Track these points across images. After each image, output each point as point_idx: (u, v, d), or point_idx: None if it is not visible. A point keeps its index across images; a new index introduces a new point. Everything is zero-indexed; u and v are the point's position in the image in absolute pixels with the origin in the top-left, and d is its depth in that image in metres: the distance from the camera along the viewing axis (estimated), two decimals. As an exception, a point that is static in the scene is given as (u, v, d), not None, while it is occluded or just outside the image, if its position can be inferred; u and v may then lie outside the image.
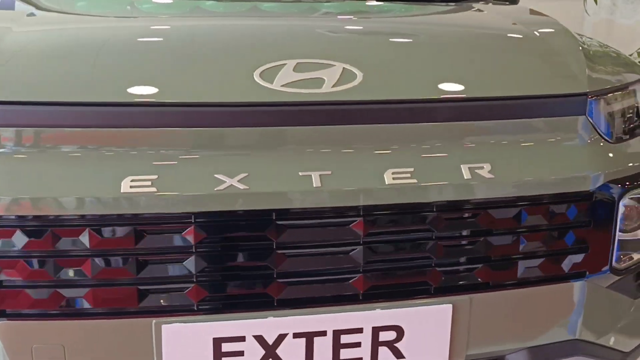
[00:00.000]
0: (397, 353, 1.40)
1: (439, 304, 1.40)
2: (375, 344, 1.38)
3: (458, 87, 1.46)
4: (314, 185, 1.31)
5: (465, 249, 1.42)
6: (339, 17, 1.90)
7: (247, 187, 1.29)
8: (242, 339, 1.33)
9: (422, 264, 1.40)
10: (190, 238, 1.29)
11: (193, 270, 1.30)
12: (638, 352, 1.72)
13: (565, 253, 1.48)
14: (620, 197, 1.50)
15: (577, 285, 1.50)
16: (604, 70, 1.65)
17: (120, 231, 1.28)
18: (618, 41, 4.56)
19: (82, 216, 1.26)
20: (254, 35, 1.57)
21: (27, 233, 1.26)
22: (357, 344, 1.38)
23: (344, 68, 1.42)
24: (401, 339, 1.40)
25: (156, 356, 1.31)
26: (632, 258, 1.59)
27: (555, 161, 1.45)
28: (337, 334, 1.36)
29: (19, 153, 1.30)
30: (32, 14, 1.68)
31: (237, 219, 1.31)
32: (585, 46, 1.73)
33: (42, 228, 1.26)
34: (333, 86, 1.38)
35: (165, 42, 1.53)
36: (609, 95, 1.56)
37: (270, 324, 1.33)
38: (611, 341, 1.60)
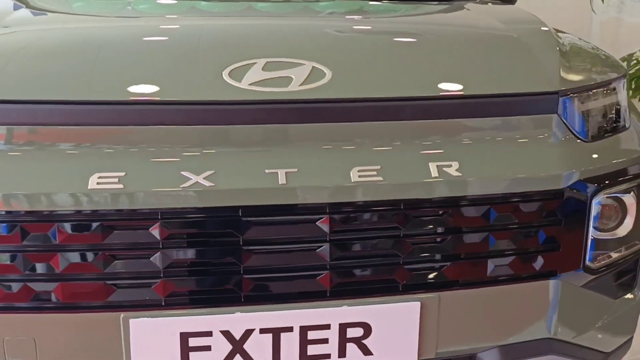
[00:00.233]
0: (365, 350, 1.41)
1: (407, 302, 1.41)
2: (343, 340, 1.39)
3: (426, 86, 1.47)
4: (280, 182, 1.33)
5: (433, 247, 1.42)
6: (321, 16, 1.91)
7: (213, 184, 1.31)
8: (209, 334, 1.35)
9: (389, 261, 1.40)
10: (157, 234, 1.31)
11: (160, 266, 1.33)
12: (620, 352, 1.71)
13: (536, 252, 1.47)
14: (593, 195, 1.49)
15: (549, 284, 1.50)
16: (581, 68, 1.64)
17: (88, 227, 1.30)
18: (626, 39, 4.51)
19: (51, 212, 1.29)
20: (228, 35, 1.59)
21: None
22: (325, 340, 1.39)
23: (313, 67, 1.43)
24: (369, 336, 1.40)
25: (124, 350, 1.34)
26: (610, 257, 1.58)
27: (525, 159, 1.45)
28: (304, 330, 1.37)
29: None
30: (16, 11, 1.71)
31: (203, 216, 1.33)
32: (565, 45, 1.73)
33: (12, 223, 1.28)
34: (300, 85, 1.40)
35: (136, 41, 1.56)
36: (584, 93, 1.55)
37: (237, 320, 1.35)
38: (589, 341, 1.59)
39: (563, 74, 1.55)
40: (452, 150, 1.43)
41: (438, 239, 1.42)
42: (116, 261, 1.32)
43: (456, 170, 1.40)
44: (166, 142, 1.35)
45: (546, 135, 1.50)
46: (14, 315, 1.33)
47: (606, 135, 1.58)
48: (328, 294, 1.38)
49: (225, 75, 1.39)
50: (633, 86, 3.99)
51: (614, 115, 1.63)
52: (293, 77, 1.41)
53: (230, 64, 1.42)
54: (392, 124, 1.42)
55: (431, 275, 1.43)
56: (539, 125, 1.49)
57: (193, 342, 1.35)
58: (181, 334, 1.34)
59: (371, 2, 2.14)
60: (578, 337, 1.56)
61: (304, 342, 1.38)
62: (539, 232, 1.47)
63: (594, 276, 1.56)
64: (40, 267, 1.31)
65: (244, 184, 1.32)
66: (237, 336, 1.36)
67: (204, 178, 1.31)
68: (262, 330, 1.36)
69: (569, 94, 1.52)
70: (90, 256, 1.31)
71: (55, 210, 1.29)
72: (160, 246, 1.32)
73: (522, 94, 1.48)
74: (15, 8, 1.75)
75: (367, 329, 1.40)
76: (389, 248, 1.40)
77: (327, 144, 1.39)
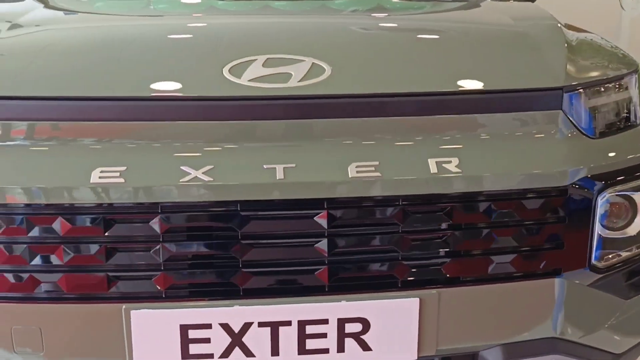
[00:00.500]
0: (363, 345, 1.41)
1: (406, 298, 1.40)
2: (341, 335, 1.39)
3: (425, 82, 1.47)
4: (278, 178, 1.34)
5: (432, 244, 1.41)
6: (333, 14, 1.92)
7: (212, 179, 1.33)
8: (208, 326, 1.37)
9: (388, 257, 1.40)
10: (157, 227, 1.34)
11: (160, 259, 1.35)
12: (633, 354, 1.68)
13: (538, 249, 1.46)
14: (599, 193, 1.47)
15: (554, 282, 1.48)
16: (590, 64, 1.62)
17: (90, 220, 1.34)
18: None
19: (54, 205, 1.33)
20: (230, 33, 1.62)
21: (3, 220, 1.33)
22: (323, 335, 1.39)
23: (313, 63, 1.45)
24: (367, 331, 1.41)
25: (126, 341, 1.37)
26: (619, 256, 1.55)
27: (528, 156, 1.44)
28: (302, 324, 1.38)
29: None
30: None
31: (202, 210, 1.35)
32: (574, 41, 1.70)
33: (17, 216, 1.33)
34: (300, 80, 1.41)
35: (137, 39, 1.59)
36: (591, 89, 1.53)
37: (235, 313, 1.37)
38: (597, 341, 1.56)
39: (569, 69, 1.53)
40: (452, 147, 1.42)
41: (437, 236, 1.41)
42: (118, 253, 1.35)
43: (456, 166, 1.39)
44: (166, 137, 1.38)
45: (551, 131, 1.48)
46: (21, 305, 1.37)
47: (615, 131, 1.55)
48: (326, 289, 1.39)
49: (225, 71, 1.42)
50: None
51: (623, 112, 1.60)
52: (293, 73, 1.42)
53: (231, 61, 1.44)
54: (391, 120, 1.42)
55: (430, 272, 1.42)
56: (543, 121, 1.48)
57: (193, 334, 1.37)
58: (181, 325, 1.36)
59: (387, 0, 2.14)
60: (585, 337, 1.54)
61: (303, 336, 1.39)
62: (542, 229, 1.45)
63: (602, 275, 1.53)
64: (44, 259, 1.35)
65: (242, 179, 1.34)
66: (236, 329, 1.37)
67: (203, 173, 1.34)
68: (261, 324, 1.37)
69: (574, 90, 1.50)
70: (92, 248, 1.35)
71: (58, 203, 1.32)
72: (161, 239, 1.35)
73: (525, 90, 1.47)
74: (33, 8, 1.81)
75: (365, 324, 1.40)
76: (388, 244, 1.40)
77: (326, 140, 1.40)
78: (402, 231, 1.40)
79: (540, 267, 1.46)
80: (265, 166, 1.35)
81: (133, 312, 1.35)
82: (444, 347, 1.45)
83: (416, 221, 1.40)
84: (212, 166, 1.35)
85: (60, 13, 1.84)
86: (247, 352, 1.38)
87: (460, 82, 1.48)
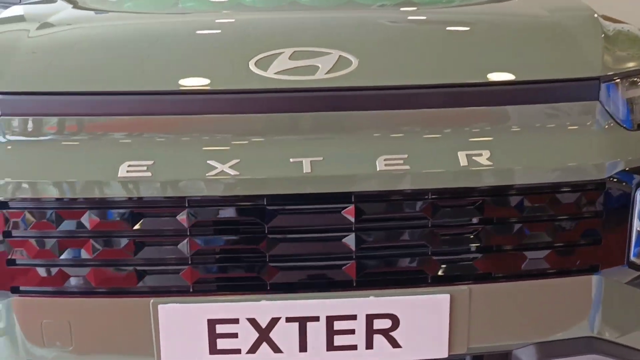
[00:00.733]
0: (393, 342, 1.39)
1: (436, 294, 1.37)
2: (370, 331, 1.37)
3: (455, 73, 1.44)
4: (305, 171, 1.32)
5: (463, 239, 1.38)
6: (360, 8, 1.90)
7: (238, 173, 1.33)
8: (235, 321, 1.36)
9: (417, 252, 1.38)
10: (184, 222, 1.34)
11: (187, 253, 1.35)
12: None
13: (574, 245, 1.41)
14: (638, 187, 1.42)
15: (591, 280, 1.43)
16: (628, 54, 1.56)
17: (118, 214, 1.34)
18: None
19: (83, 199, 1.33)
20: (257, 27, 1.61)
21: (33, 215, 1.34)
22: (351, 331, 1.37)
23: (340, 55, 1.43)
24: (397, 328, 1.38)
25: (154, 335, 1.36)
26: None
27: (562, 148, 1.39)
28: (330, 320, 1.36)
29: (25, 141, 1.40)
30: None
31: (228, 204, 1.34)
32: (612, 31, 1.65)
33: (46, 210, 1.34)
34: (327, 73, 1.39)
35: (165, 35, 1.60)
36: (629, 80, 1.48)
37: (263, 307, 1.36)
38: (637, 341, 1.51)
39: (606, 59, 1.48)
40: (483, 139, 1.39)
41: (468, 230, 1.38)
42: (145, 247, 1.35)
43: (487, 159, 1.36)
44: (193, 131, 1.37)
45: (587, 122, 1.43)
46: (50, 299, 1.38)
47: (657, 123, 1.50)
48: (354, 284, 1.37)
49: (251, 65, 1.41)
50: None
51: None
52: (319, 65, 1.41)
53: (257, 54, 1.43)
54: (420, 112, 1.39)
55: (461, 267, 1.39)
56: (579, 112, 1.43)
57: (220, 328, 1.36)
58: (209, 320, 1.36)
59: None
60: (624, 337, 1.48)
61: (331, 332, 1.37)
62: (578, 224, 1.40)
63: (641, 273, 1.48)
64: (73, 253, 1.36)
65: (268, 172, 1.33)
66: (263, 324, 1.36)
67: (229, 167, 1.33)
68: (288, 319, 1.36)
69: (612, 80, 1.45)
70: (120, 242, 1.35)
71: (87, 197, 1.33)
72: (188, 233, 1.34)
73: (560, 80, 1.43)
74: (62, 8, 1.83)
75: (394, 320, 1.37)
76: (417, 239, 1.37)
77: (353, 133, 1.38)
78: (432, 225, 1.37)
79: (577, 263, 1.42)
80: (292, 160, 1.34)
81: (161, 307, 1.35)
82: (476, 345, 1.42)
83: (446, 215, 1.37)
84: (239, 160, 1.34)
85: (90, 12, 1.86)
86: (275, 348, 1.37)
87: (491, 73, 1.44)
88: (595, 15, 1.68)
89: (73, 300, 1.38)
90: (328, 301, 1.36)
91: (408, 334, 1.38)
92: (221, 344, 1.37)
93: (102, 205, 1.34)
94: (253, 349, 1.36)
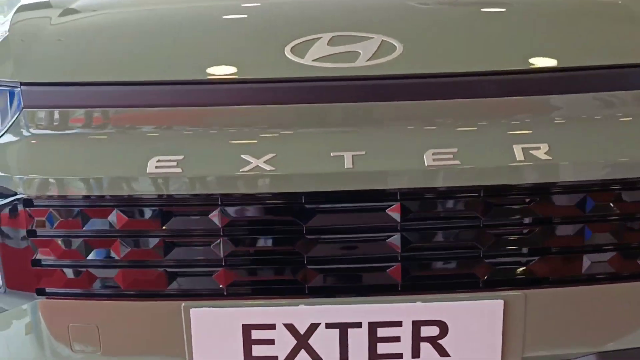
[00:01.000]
0: (441, 351, 1.29)
1: (489, 299, 1.28)
2: (417, 339, 1.28)
3: (509, 59, 1.32)
4: (346, 167, 1.23)
5: (518, 240, 1.28)
6: None
7: (274, 169, 1.24)
8: (272, 326, 1.28)
9: (468, 254, 1.28)
10: (217, 220, 1.26)
11: (221, 254, 1.27)
12: None
13: (641, 247, 1.29)
14: None
15: (659, 285, 1.31)
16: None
17: (147, 212, 1.27)
18: None
19: (109, 197, 1.26)
20: (292, 10, 1.51)
21: (59, 213, 1.28)
22: (396, 339, 1.28)
23: (382, 40, 1.33)
24: (445, 336, 1.29)
25: (186, 340, 1.29)
26: None
27: (627, 141, 1.27)
28: (373, 326, 1.27)
29: (49, 134, 1.33)
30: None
31: (264, 202, 1.26)
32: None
33: (71, 208, 1.27)
34: (369, 59, 1.29)
35: (195, 20, 1.50)
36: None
37: (301, 312, 1.28)
38: None
39: None
40: (540, 131, 1.27)
41: (524, 231, 1.27)
42: (176, 248, 1.28)
43: (545, 153, 1.24)
44: (225, 123, 1.29)
45: None
46: (77, 302, 1.32)
47: None
48: (400, 288, 1.28)
49: (287, 51, 1.31)
50: None
51: None
52: (360, 51, 1.31)
53: (293, 40, 1.33)
54: (471, 101, 1.29)
55: (516, 271, 1.29)
56: None
57: (256, 334, 1.29)
58: (243, 325, 1.28)
59: None
60: None
61: (374, 339, 1.28)
62: (644, 224, 1.28)
63: None
64: (100, 253, 1.29)
65: (306, 168, 1.24)
66: (302, 330, 1.28)
67: (264, 162, 1.24)
68: (328, 325, 1.28)
69: None
70: (149, 242, 1.28)
71: (114, 194, 1.26)
72: (221, 233, 1.26)
73: (621, 66, 1.30)
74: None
75: (443, 327, 1.28)
76: (468, 239, 1.27)
77: (398, 125, 1.28)
78: (484, 225, 1.26)
79: (644, 267, 1.29)
80: (332, 154, 1.25)
81: (193, 311, 1.28)
82: (531, 354, 1.31)
83: (499, 214, 1.26)
84: (274, 154, 1.25)
85: None
86: (314, 356, 1.29)
87: (547, 59, 1.32)
88: None
89: (101, 303, 1.31)
90: (371, 306, 1.27)
91: (457, 342, 1.29)
92: (257, 350, 1.29)
93: (130, 203, 1.27)
94: (291, 357, 1.29)
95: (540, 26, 1.43)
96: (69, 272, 1.31)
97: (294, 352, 1.29)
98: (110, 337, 1.32)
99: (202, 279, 1.28)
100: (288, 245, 1.26)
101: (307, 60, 1.30)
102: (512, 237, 1.28)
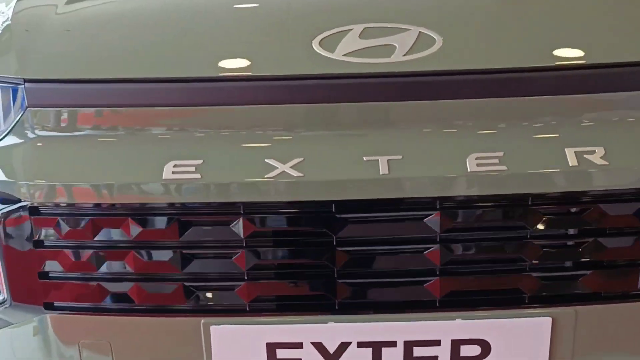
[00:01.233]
0: (482, 371, 1.19)
1: (535, 317, 1.18)
2: (456, 359, 1.19)
3: (561, 53, 1.21)
4: (381, 173, 1.13)
5: (568, 252, 1.18)
6: None
7: (302, 175, 1.13)
8: (299, 345, 1.19)
9: (513, 267, 1.18)
10: (239, 231, 1.15)
11: (243, 267, 1.17)
12: None
13: None
14: None
15: None
16: None
17: (163, 222, 1.17)
18: None
19: (122, 205, 1.17)
20: None
21: (67, 222, 1.18)
22: (434, 358, 1.19)
23: (420, 32, 1.21)
24: (487, 355, 1.20)
25: (206, 359, 1.19)
26: None
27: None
28: (409, 345, 1.18)
29: (56, 136, 1.23)
30: None
31: (291, 211, 1.16)
32: None
33: (81, 217, 1.17)
34: (405, 54, 1.19)
35: (214, 12, 1.39)
36: None
37: (331, 330, 1.19)
38: None
39: None
40: (595, 133, 1.16)
41: (575, 242, 1.17)
42: (195, 260, 1.18)
43: (601, 157, 1.13)
44: (248, 124, 1.19)
45: None
46: (89, 317, 1.23)
47: None
48: (438, 304, 1.19)
49: (315, 44, 1.21)
50: None
51: None
52: (396, 45, 1.20)
53: (322, 32, 1.22)
54: (519, 101, 1.18)
55: (566, 286, 1.19)
56: None
57: (281, 354, 1.20)
58: (268, 344, 1.19)
59: None
60: None
61: (410, 359, 1.18)
62: None
63: None
64: (112, 266, 1.20)
65: (338, 174, 1.14)
66: (331, 349, 1.19)
67: (291, 167, 1.14)
68: (360, 344, 1.19)
69: None
70: (166, 255, 1.18)
71: (127, 202, 1.15)
72: (244, 245, 1.16)
73: None
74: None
75: (485, 347, 1.19)
76: (513, 252, 1.17)
77: (438, 126, 1.18)
78: (532, 236, 1.16)
79: None
80: (365, 158, 1.14)
81: (213, 328, 1.19)
82: (579, 376, 1.21)
83: (549, 225, 1.16)
84: (302, 158, 1.15)
85: None
86: (344, 377, 1.19)
87: (604, 54, 1.20)
88: None
89: (114, 318, 1.22)
90: (407, 324, 1.18)
91: (501, 362, 1.18)
92: (282, 370, 1.19)
93: (144, 211, 1.17)
94: (319, 378, 1.18)
95: (598, 17, 1.30)
96: (79, 286, 1.21)
97: (323, 372, 1.19)
98: (123, 355, 1.24)
99: (223, 293, 1.20)
100: (317, 258, 1.17)
101: (337, 55, 1.19)
102: (562, 249, 1.18)
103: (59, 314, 1.23)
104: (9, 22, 1.38)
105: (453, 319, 1.18)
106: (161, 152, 1.17)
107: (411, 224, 1.15)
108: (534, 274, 1.18)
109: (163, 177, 1.15)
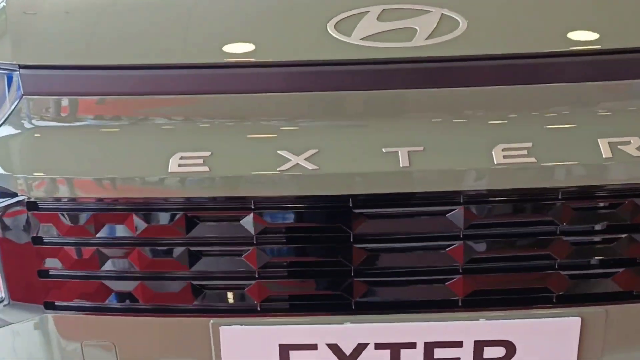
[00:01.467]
0: (507, 374, 1.13)
1: (563, 317, 1.12)
2: (479, 361, 1.13)
3: (596, 37, 1.13)
4: (401, 165, 1.07)
5: (600, 249, 1.11)
6: None
7: (317, 167, 1.07)
8: (313, 347, 1.14)
9: (541, 265, 1.12)
10: (250, 227, 1.09)
11: (254, 265, 1.11)
12: None
13: None
14: None
15: None
16: None
17: (169, 217, 1.10)
18: None
19: (126, 199, 1.10)
20: None
21: (67, 218, 1.11)
22: None
23: (442, 14, 1.14)
24: (512, 357, 1.14)
25: (215, 361, 1.14)
26: None
27: None
28: (429, 347, 1.13)
29: (55, 127, 1.16)
30: None
31: (305, 206, 1.10)
32: None
33: (83, 212, 1.11)
34: (427, 38, 1.12)
35: None
36: None
37: (347, 331, 1.13)
38: None
39: None
40: (631, 122, 1.10)
41: (607, 238, 1.11)
42: (203, 258, 1.12)
43: (637, 148, 1.06)
44: (259, 113, 1.12)
45: None
46: (91, 317, 1.18)
47: None
48: (460, 304, 1.13)
49: (330, 28, 1.13)
50: None
51: None
52: (417, 28, 1.13)
53: (337, 14, 1.15)
54: (549, 87, 1.10)
55: (596, 284, 1.13)
56: None
57: (295, 355, 1.14)
58: (280, 345, 1.14)
59: None
60: None
61: (430, 361, 1.13)
62: None
63: None
64: (116, 264, 1.14)
65: (355, 166, 1.07)
66: (348, 351, 1.14)
67: (305, 159, 1.07)
68: (378, 346, 1.13)
69: None
70: (172, 252, 1.12)
71: (130, 197, 1.09)
72: (254, 242, 1.10)
73: None
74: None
75: (510, 349, 1.13)
76: (541, 249, 1.11)
77: (462, 115, 1.11)
78: (561, 232, 1.10)
79: None
80: (384, 150, 1.08)
81: (223, 329, 1.13)
82: (608, 379, 1.15)
83: (580, 220, 1.10)
84: (317, 150, 1.08)
85: None
86: (361, 379, 1.13)
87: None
88: None
89: (118, 318, 1.17)
90: (427, 324, 1.13)
91: (526, 364, 1.12)
92: (295, 373, 1.13)
93: (149, 206, 1.11)
94: (334, 381, 1.13)
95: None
96: (81, 285, 1.15)
97: (339, 375, 1.13)
98: (128, 357, 1.18)
99: (233, 293, 1.14)
100: (332, 255, 1.11)
101: (354, 39, 1.12)
102: (593, 246, 1.12)
103: (60, 313, 1.17)
104: (4, 3, 1.31)
105: (476, 319, 1.12)
106: (167, 144, 1.11)
107: (432, 219, 1.09)
108: (563, 272, 1.12)
109: (169, 170, 1.08)
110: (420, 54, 1.10)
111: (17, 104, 1.16)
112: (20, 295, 1.18)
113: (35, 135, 1.15)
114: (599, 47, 1.13)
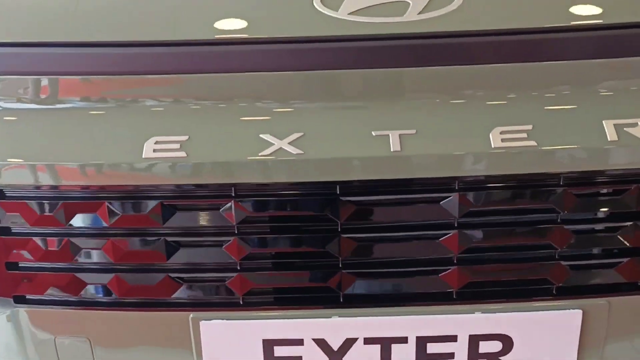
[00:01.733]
0: (503, 370, 1.08)
1: (564, 309, 1.07)
2: (474, 356, 1.09)
3: (598, 11, 1.07)
4: (392, 149, 1.00)
5: (603, 238, 1.06)
6: None
7: (302, 152, 1.00)
8: (299, 342, 1.09)
9: (540, 255, 1.06)
10: (231, 216, 1.02)
11: (236, 257, 1.05)
12: None
13: None
14: None
15: None
16: None
17: (144, 206, 1.04)
18: None
19: (98, 187, 1.04)
20: None
21: (36, 206, 1.05)
22: (450, 355, 1.09)
23: None
24: (509, 352, 1.09)
25: (195, 357, 1.09)
26: None
27: None
28: (422, 341, 1.08)
29: (22, 109, 1.09)
30: None
31: (289, 193, 1.03)
32: None
33: (52, 201, 1.04)
34: (420, 12, 1.05)
35: None
36: None
37: (334, 326, 1.08)
38: None
39: None
40: (637, 103, 1.03)
41: (611, 227, 1.05)
42: (181, 249, 1.06)
43: (643, 131, 1.00)
44: (240, 94, 1.05)
45: None
46: (65, 311, 1.12)
47: None
48: (455, 296, 1.08)
49: (316, 2, 1.06)
50: None
51: None
52: (409, 1, 1.06)
53: None
54: (549, 66, 1.03)
55: (599, 275, 1.07)
56: None
57: (279, 351, 1.09)
58: (264, 341, 1.08)
59: None
60: None
61: (423, 356, 1.09)
62: None
63: None
64: (89, 255, 1.08)
65: (342, 151, 1.01)
66: (335, 346, 1.08)
67: (289, 143, 1.01)
68: (367, 340, 1.08)
69: None
70: (149, 242, 1.06)
71: (102, 185, 1.02)
72: (236, 232, 1.04)
73: None
74: None
75: (507, 343, 1.08)
76: (541, 237, 1.05)
77: (457, 96, 1.04)
78: (562, 221, 1.05)
79: None
80: (374, 133, 1.01)
81: (203, 323, 1.07)
82: (611, 375, 1.10)
83: (582, 207, 1.04)
84: (302, 134, 1.02)
85: None
86: (350, 376, 1.08)
87: None
88: None
89: (93, 313, 1.11)
90: (419, 318, 1.08)
91: (523, 359, 1.08)
92: (281, 369, 1.08)
93: (123, 194, 1.04)
94: (322, 378, 1.08)
95: None
96: (52, 277, 1.09)
97: (326, 371, 1.08)
98: (104, 353, 1.13)
99: (213, 285, 1.08)
100: (319, 246, 1.05)
101: (341, 14, 1.05)
102: (596, 235, 1.06)
103: (31, 307, 1.11)
104: None
105: (471, 312, 1.07)
106: (141, 127, 1.04)
107: (425, 207, 1.03)
108: (564, 263, 1.07)
109: (143, 156, 1.01)
110: (412, 30, 1.03)
111: None
112: (-12, 288, 1.12)
113: (4, 118, 1.08)
114: (603, 22, 1.06)
